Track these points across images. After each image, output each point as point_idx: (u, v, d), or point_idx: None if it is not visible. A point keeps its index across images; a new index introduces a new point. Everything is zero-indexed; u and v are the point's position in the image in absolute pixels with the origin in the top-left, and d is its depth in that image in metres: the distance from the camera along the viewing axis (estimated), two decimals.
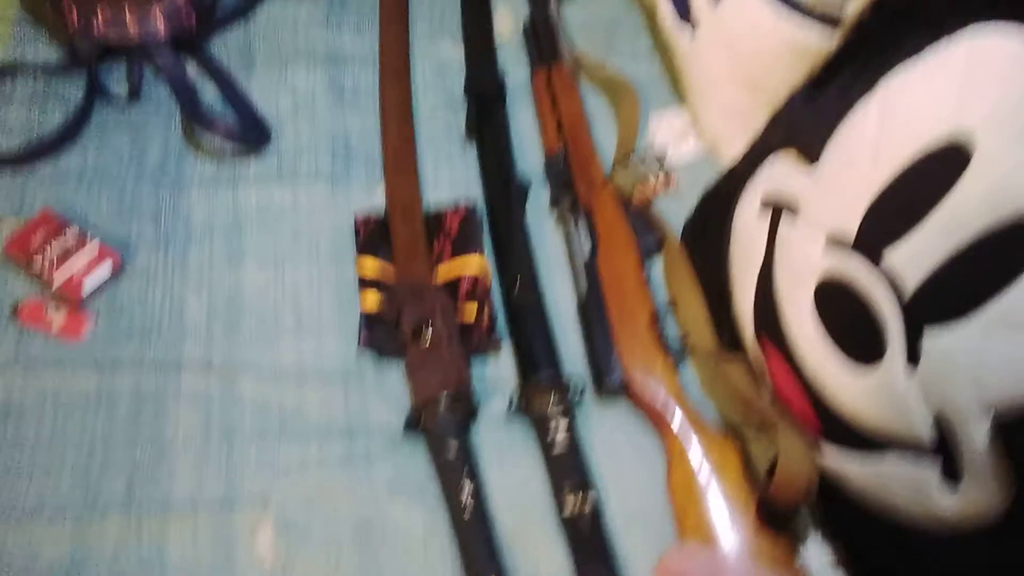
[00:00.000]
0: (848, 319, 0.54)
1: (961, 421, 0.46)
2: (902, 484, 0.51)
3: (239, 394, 0.70)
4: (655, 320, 0.69)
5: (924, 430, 0.49)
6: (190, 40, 0.87)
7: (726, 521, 0.61)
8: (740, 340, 0.66)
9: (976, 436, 0.45)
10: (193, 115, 0.81)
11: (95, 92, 0.84)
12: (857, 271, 0.52)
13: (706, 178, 0.77)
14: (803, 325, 0.57)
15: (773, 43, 0.71)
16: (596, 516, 0.63)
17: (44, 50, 0.88)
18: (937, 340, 0.47)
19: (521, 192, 0.80)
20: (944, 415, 0.47)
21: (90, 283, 0.73)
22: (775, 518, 0.61)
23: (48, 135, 0.81)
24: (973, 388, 0.45)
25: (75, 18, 0.83)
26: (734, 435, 0.64)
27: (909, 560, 0.54)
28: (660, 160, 0.79)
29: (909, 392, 0.49)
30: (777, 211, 0.60)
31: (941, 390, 0.47)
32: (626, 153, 0.80)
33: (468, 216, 0.77)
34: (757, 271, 0.63)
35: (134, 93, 0.85)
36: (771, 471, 0.60)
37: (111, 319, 0.73)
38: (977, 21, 0.46)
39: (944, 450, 0.48)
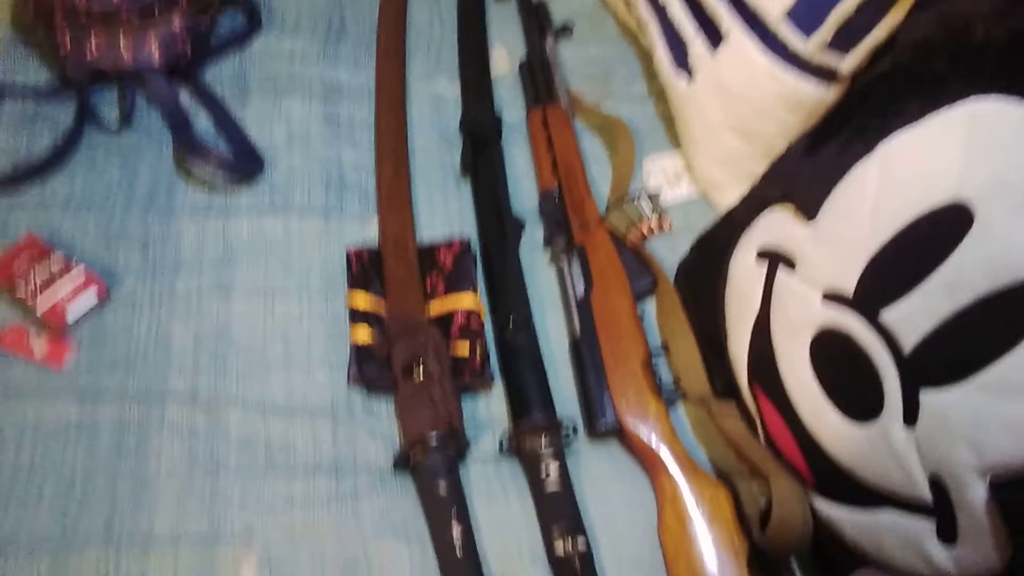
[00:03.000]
0: (844, 374, 0.54)
1: (957, 483, 0.46)
2: (897, 541, 0.52)
3: (225, 428, 0.69)
4: (649, 362, 0.70)
5: (920, 489, 0.49)
6: (184, 67, 0.86)
7: (717, 568, 0.61)
8: (734, 386, 0.67)
9: (973, 498, 0.46)
10: (185, 143, 0.80)
11: (85, 117, 0.83)
12: (854, 327, 0.53)
13: (699, 220, 0.78)
14: (799, 377, 0.58)
15: (769, 93, 0.72)
16: (587, 559, 0.63)
17: (34, 73, 0.86)
18: (934, 401, 0.47)
19: (516, 230, 0.80)
20: (940, 476, 0.48)
21: (74, 310, 0.72)
22: (767, 566, 0.61)
23: (36, 159, 0.79)
24: (970, 451, 0.45)
25: (67, 41, 0.82)
26: (726, 481, 0.64)
27: None
28: (654, 202, 0.80)
29: (906, 451, 0.49)
30: (774, 262, 0.61)
31: (938, 451, 0.47)
32: (621, 194, 0.81)
33: (462, 251, 0.77)
34: (753, 320, 0.63)
35: (125, 119, 0.84)
36: (764, 519, 0.60)
37: (95, 348, 0.72)
38: (978, 93, 0.47)
39: (940, 510, 0.48)
